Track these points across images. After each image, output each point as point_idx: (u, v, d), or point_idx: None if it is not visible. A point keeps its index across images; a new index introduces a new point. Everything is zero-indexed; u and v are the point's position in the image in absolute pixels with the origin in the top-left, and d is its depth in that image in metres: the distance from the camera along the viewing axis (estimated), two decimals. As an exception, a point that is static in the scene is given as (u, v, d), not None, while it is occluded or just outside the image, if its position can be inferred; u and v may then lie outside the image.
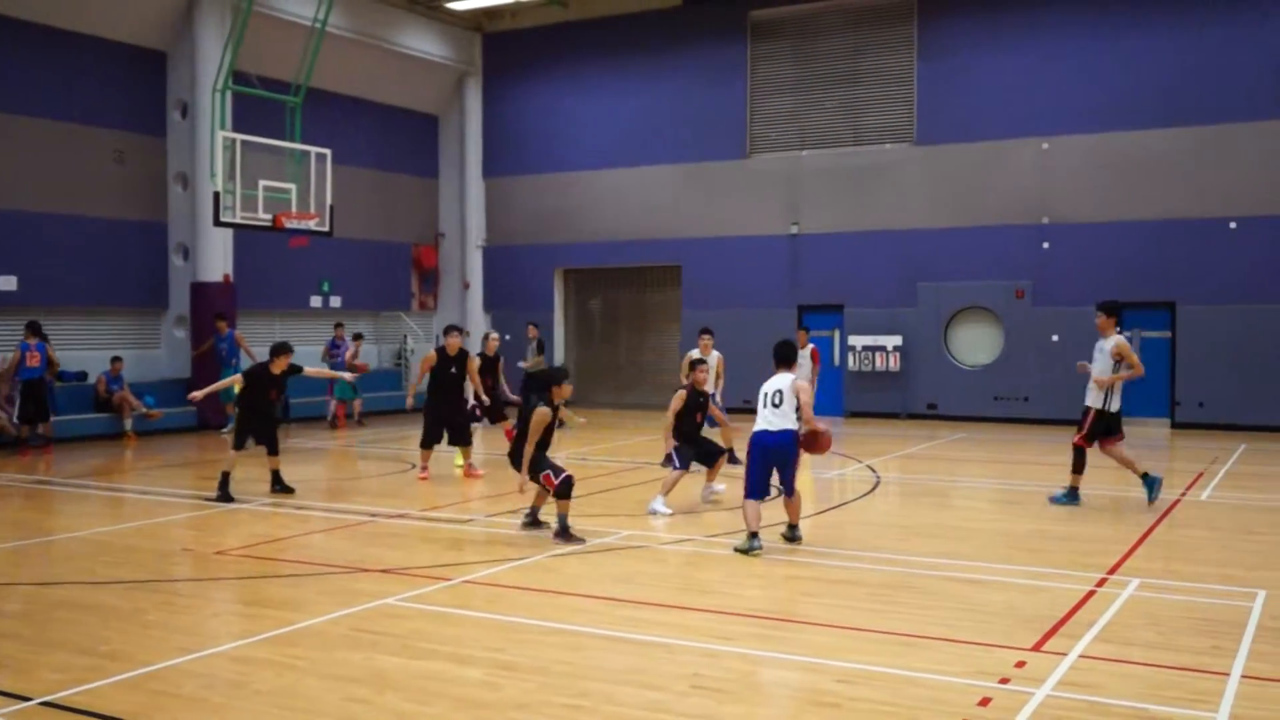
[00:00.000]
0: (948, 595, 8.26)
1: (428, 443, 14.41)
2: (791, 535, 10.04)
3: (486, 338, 16.44)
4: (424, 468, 14.43)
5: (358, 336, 22.75)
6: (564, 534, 10.18)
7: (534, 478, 10.27)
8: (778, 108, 24.51)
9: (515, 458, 10.40)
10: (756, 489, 9.72)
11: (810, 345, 16.82)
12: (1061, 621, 7.37)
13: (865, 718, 5.64)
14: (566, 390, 10.55)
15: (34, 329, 17.81)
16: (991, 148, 22.39)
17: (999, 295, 22.22)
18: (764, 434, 9.76)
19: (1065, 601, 7.91)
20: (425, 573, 8.98)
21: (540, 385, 10.94)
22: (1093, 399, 12.36)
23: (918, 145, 23.11)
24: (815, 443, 9.87)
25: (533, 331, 21.50)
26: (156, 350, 21.66)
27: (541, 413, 10.24)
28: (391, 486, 13.96)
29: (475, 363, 14.76)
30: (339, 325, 22.48)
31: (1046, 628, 7.22)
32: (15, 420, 17.55)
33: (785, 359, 10.17)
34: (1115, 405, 12.33)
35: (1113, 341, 12.14)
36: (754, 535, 9.62)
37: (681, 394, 12.20)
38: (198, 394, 13.55)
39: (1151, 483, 12.21)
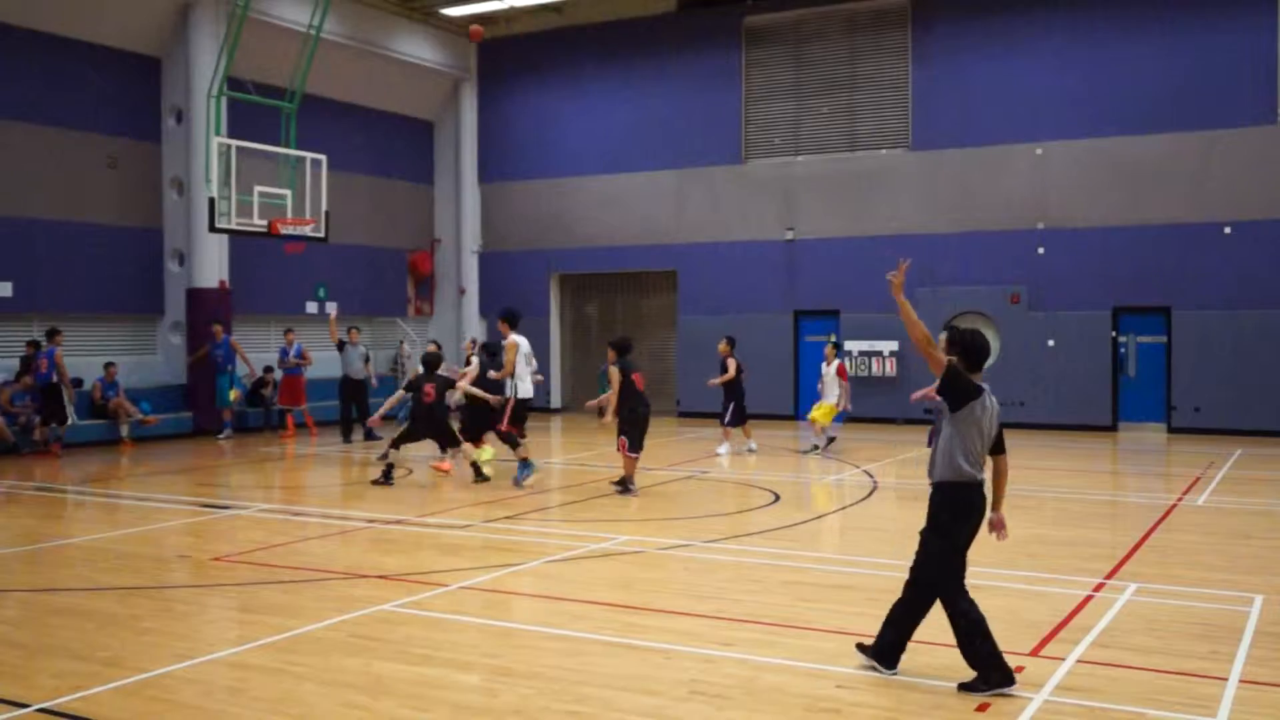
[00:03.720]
0: (945, 600, 8.25)
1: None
2: None
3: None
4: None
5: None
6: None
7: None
8: (773, 113, 24.54)
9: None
10: None
11: (837, 361, 18.47)
12: (1059, 626, 7.38)
13: (864, 723, 5.65)
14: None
15: (49, 335, 18.21)
16: (986, 153, 22.44)
17: (994, 300, 22.24)
18: None
19: (1063, 606, 7.92)
20: (422, 578, 8.97)
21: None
22: (508, 390, 14.25)
23: (913, 150, 23.15)
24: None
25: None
26: (153, 356, 21.62)
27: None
28: (389, 492, 13.93)
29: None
30: (289, 331, 21.85)
31: (1044, 633, 7.23)
32: (37, 423, 17.96)
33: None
34: (522, 393, 14.23)
35: (509, 340, 14.23)
36: None
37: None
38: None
39: (526, 466, 14.16)
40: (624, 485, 13.55)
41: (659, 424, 23.38)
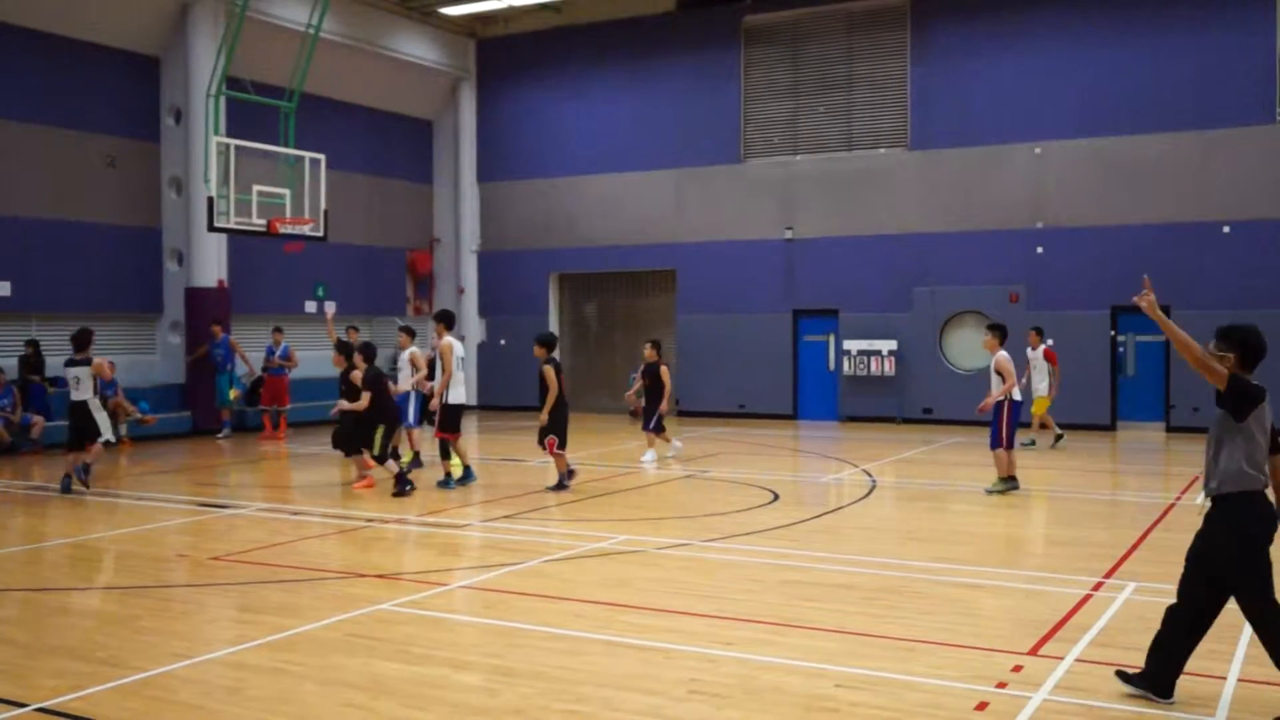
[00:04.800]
0: (945, 600, 8.26)
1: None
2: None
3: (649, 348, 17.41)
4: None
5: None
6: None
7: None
8: (771, 113, 24.54)
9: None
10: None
11: (1043, 346, 18.22)
12: (1058, 626, 7.38)
13: (863, 722, 5.65)
14: None
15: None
16: (985, 152, 22.44)
17: (993, 299, 22.25)
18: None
19: (1062, 606, 7.92)
20: (422, 578, 8.97)
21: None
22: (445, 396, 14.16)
23: (911, 150, 23.15)
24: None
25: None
26: (151, 356, 21.61)
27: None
28: (388, 491, 13.92)
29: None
30: (277, 330, 21.52)
31: (1043, 632, 7.23)
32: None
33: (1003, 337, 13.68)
34: (453, 399, 13.97)
35: (444, 343, 14.12)
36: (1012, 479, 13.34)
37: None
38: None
39: (467, 474, 14.13)
40: (560, 484, 13.55)
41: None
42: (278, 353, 21.00)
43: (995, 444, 13.35)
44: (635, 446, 18.83)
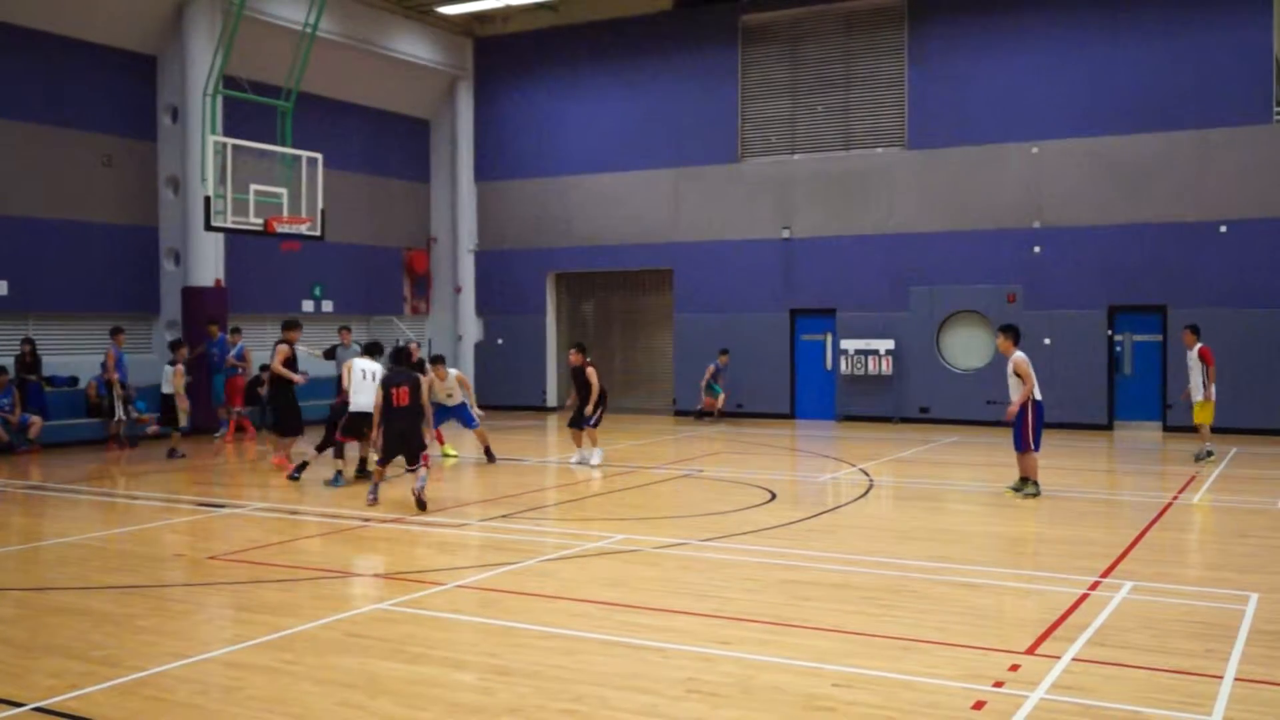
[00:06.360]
0: (942, 599, 8.27)
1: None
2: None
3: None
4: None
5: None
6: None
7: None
8: (769, 112, 24.54)
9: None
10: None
11: (1199, 345, 16.65)
12: (1055, 625, 7.38)
13: (861, 721, 5.65)
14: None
15: (112, 334, 19.05)
16: (982, 152, 22.45)
17: (990, 299, 22.26)
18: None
19: (1059, 605, 7.93)
20: (419, 577, 8.97)
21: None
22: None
23: (909, 149, 23.16)
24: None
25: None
26: (148, 355, 21.58)
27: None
28: (386, 491, 13.91)
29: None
30: (235, 331, 21.01)
31: (1040, 631, 7.23)
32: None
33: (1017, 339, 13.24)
34: (354, 406, 13.93)
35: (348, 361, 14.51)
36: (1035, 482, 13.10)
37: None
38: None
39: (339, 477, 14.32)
40: (297, 470, 14.51)
41: (656, 421, 23.43)
42: (232, 353, 20.29)
43: (1020, 446, 13.00)
44: (630, 447, 18.86)
